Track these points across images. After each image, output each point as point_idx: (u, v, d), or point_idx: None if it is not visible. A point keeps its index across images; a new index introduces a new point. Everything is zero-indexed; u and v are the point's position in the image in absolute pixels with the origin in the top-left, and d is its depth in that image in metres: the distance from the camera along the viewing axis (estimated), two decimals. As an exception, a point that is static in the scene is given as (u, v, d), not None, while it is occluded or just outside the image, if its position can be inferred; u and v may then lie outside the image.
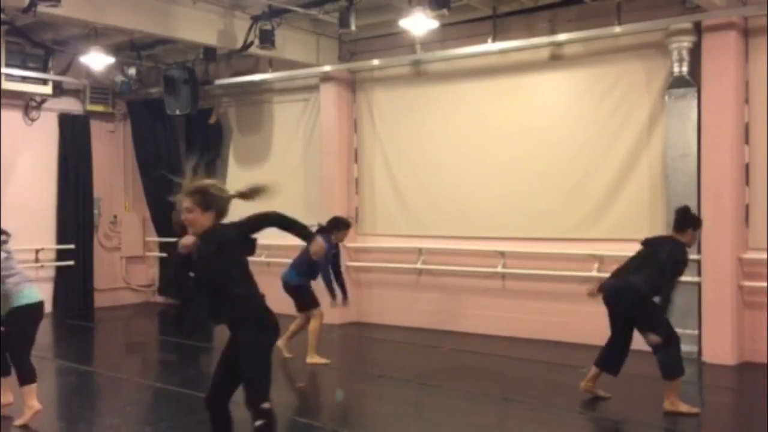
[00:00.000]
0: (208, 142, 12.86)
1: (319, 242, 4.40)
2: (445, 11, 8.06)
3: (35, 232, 12.29)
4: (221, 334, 12.57)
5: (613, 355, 6.59)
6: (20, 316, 6.13)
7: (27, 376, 6.17)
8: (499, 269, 9.88)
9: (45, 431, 6.50)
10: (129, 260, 13.61)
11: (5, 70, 11.05)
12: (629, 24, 8.62)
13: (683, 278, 8.48)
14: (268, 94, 12.43)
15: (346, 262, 11.24)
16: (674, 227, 6.51)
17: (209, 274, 4.25)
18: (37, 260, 12.22)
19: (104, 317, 12.24)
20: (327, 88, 11.32)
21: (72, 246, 12.41)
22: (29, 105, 12.24)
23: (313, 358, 8.34)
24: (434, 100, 10.54)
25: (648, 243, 6.60)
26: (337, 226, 8.50)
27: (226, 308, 4.27)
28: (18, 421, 6.19)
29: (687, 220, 6.48)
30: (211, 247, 4.19)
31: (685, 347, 8.45)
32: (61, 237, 12.45)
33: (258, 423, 4.17)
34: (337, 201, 11.26)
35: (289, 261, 8.55)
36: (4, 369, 6.27)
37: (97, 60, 10.31)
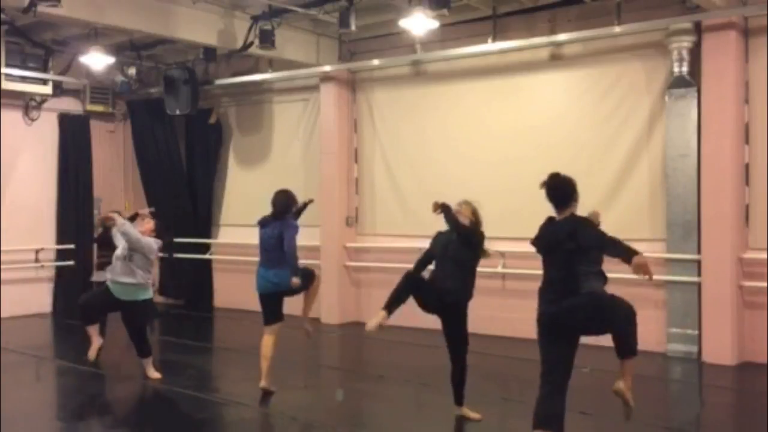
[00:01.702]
0: (208, 142, 12.88)
1: None
2: (445, 11, 8.05)
3: (35, 232, 12.30)
4: (220, 334, 12.58)
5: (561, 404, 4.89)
6: (151, 303, 7.87)
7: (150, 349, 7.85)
8: (499, 269, 9.88)
9: (45, 431, 6.50)
10: (129, 260, 13.60)
11: (5, 70, 11.05)
12: (629, 24, 8.62)
13: (683, 278, 8.54)
14: (268, 94, 12.43)
15: (345, 261, 11.28)
16: (563, 203, 4.88)
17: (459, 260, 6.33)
18: (37, 260, 12.23)
19: (104, 317, 12.22)
20: (327, 88, 11.32)
21: (72, 246, 12.41)
22: (29, 105, 12.24)
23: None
24: (434, 100, 10.54)
25: (549, 243, 4.92)
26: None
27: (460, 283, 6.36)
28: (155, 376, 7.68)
29: (575, 191, 4.91)
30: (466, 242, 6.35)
31: (685, 347, 8.51)
32: (61, 237, 12.45)
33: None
34: (337, 201, 11.27)
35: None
36: (148, 350, 7.77)
37: (97, 60, 10.30)
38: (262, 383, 7.00)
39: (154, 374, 7.73)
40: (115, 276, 7.45)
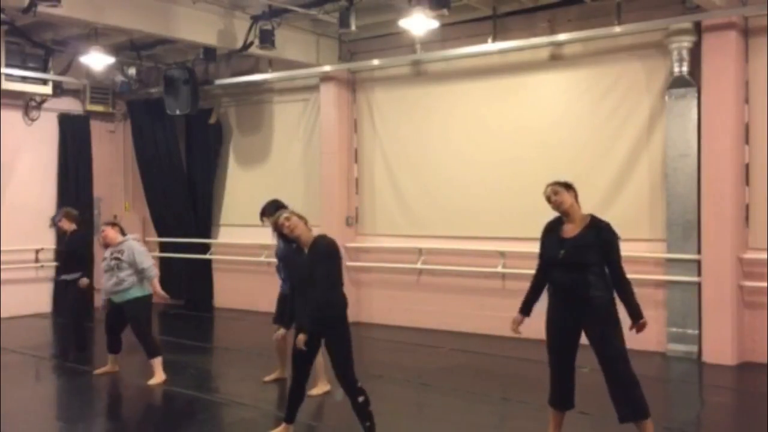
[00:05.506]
0: (208, 142, 12.88)
1: None
2: (445, 11, 8.05)
3: (35, 232, 12.31)
4: (221, 334, 12.54)
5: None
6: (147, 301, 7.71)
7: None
8: (499, 269, 9.88)
9: (45, 431, 6.50)
10: (129, 260, 13.60)
11: (5, 70, 11.05)
12: (629, 24, 8.62)
13: (683, 278, 8.54)
14: (268, 94, 12.43)
15: (345, 261, 11.26)
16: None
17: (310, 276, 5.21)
18: (37, 260, 12.24)
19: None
20: (327, 88, 11.32)
21: (72, 246, 12.39)
22: (29, 105, 12.25)
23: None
24: (434, 100, 10.54)
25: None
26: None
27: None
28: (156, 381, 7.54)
29: None
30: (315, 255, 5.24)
31: (685, 347, 8.52)
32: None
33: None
34: (337, 201, 11.27)
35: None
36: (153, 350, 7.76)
37: (97, 60, 10.30)
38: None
39: (157, 378, 7.58)
40: (109, 288, 7.58)
